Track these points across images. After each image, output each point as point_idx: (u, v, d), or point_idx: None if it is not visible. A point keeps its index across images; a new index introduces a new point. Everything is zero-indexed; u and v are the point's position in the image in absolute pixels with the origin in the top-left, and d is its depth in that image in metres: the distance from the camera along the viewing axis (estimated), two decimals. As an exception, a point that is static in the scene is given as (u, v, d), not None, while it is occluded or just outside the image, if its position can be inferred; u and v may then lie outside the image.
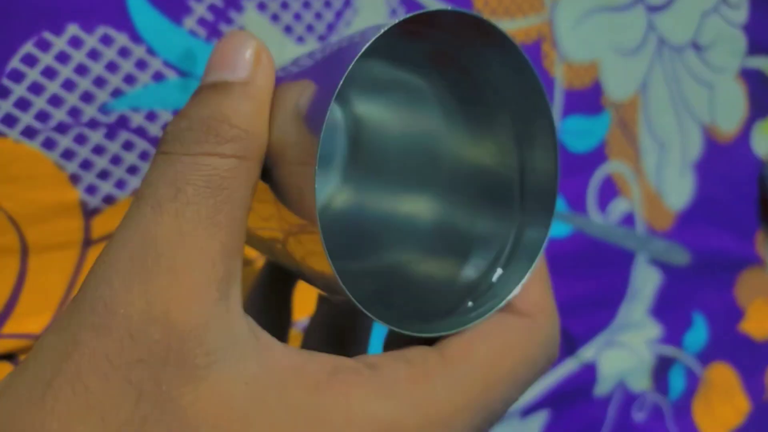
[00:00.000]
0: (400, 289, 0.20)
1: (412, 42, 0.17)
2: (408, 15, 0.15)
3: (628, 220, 0.50)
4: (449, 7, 0.15)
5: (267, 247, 0.19)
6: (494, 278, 0.19)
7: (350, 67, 0.14)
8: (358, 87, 0.22)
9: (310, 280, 0.18)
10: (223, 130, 0.15)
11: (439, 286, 0.20)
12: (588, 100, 0.44)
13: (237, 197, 0.15)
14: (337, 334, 0.22)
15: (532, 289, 0.18)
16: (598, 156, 0.46)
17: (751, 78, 0.56)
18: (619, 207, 0.49)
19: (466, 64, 0.18)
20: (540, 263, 0.18)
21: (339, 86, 0.14)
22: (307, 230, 0.15)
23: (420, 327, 0.17)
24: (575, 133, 0.44)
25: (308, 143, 0.14)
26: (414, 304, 0.20)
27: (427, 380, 0.15)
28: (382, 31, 0.15)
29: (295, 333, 0.29)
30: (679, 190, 0.53)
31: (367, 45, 0.14)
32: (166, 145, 0.15)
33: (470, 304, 0.19)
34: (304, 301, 0.24)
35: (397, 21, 0.15)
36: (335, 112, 0.22)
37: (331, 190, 0.23)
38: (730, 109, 0.55)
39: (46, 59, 0.25)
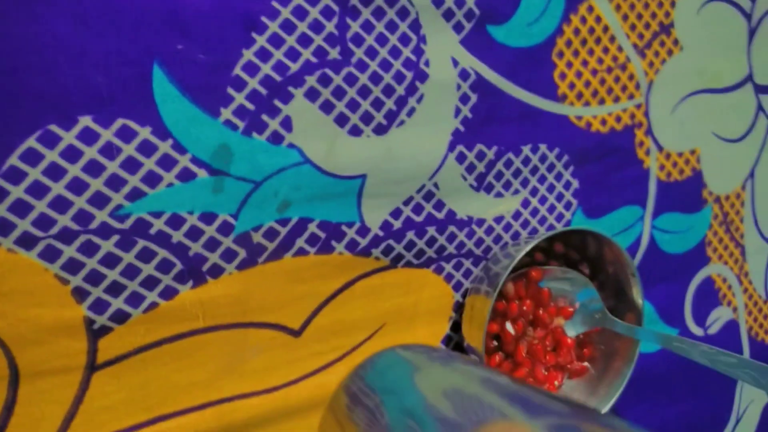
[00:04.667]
0: None
1: None
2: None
3: (731, 330, 0.42)
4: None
5: None
6: None
7: None
8: None
9: None
10: None
11: None
12: (687, 193, 0.38)
13: None
14: None
15: None
16: (697, 258, 0.39)
17: None
18: (720, 316, 0.41)
19: None
20: None
21: None
22: None
23: None
24: (672, 231, 0.38)
25: None
26: None
27: None
28: None
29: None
30: (790, 296, 0.45)
31: None
32: None
33: None
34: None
35: None
36: None
37: None
38: None
39: (51, 156, 0.21)
